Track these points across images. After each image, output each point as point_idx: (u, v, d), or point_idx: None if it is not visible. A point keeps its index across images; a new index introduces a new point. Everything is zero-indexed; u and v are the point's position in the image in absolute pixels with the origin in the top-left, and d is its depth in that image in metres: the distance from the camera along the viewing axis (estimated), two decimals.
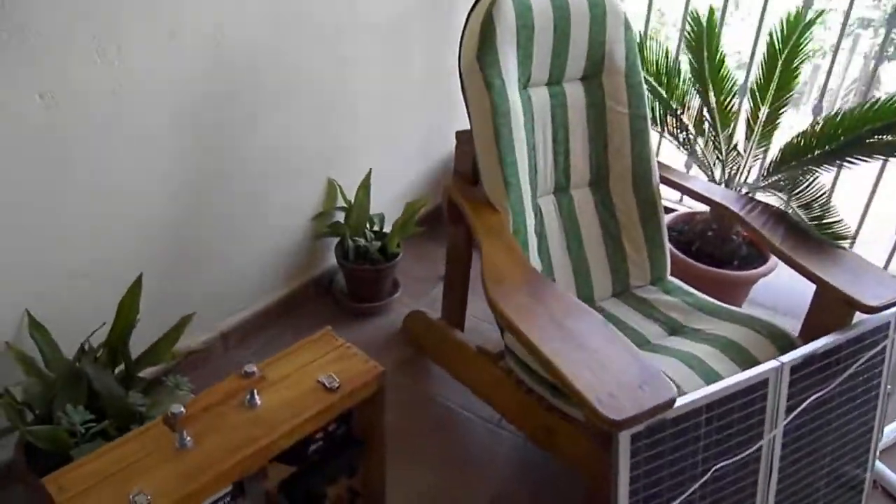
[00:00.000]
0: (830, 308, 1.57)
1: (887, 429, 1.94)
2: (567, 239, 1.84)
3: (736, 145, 2.17)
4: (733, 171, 2.18)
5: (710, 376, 1.52)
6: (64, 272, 1.65)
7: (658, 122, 2.24)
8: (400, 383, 2.06)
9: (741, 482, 1.45)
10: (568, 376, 1.21)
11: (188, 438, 1.19)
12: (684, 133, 2.21)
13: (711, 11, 2.09)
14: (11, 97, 1.43)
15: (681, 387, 1.46)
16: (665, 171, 1.95)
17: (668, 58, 2.22)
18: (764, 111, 2.10)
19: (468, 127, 1.73)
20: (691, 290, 1.90)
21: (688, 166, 2.55)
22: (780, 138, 2.13)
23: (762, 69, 2.08)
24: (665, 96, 2.20)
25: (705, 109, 2.16)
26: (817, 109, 2.29)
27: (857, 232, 2.37)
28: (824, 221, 1.74)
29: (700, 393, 1.31)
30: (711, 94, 2.12)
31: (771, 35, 2.04)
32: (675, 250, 2.17)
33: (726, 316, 1.76)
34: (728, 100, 2.13)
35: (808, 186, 1.86)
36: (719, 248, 2.23)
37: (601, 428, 1.21)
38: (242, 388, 1.24)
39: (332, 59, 2.08)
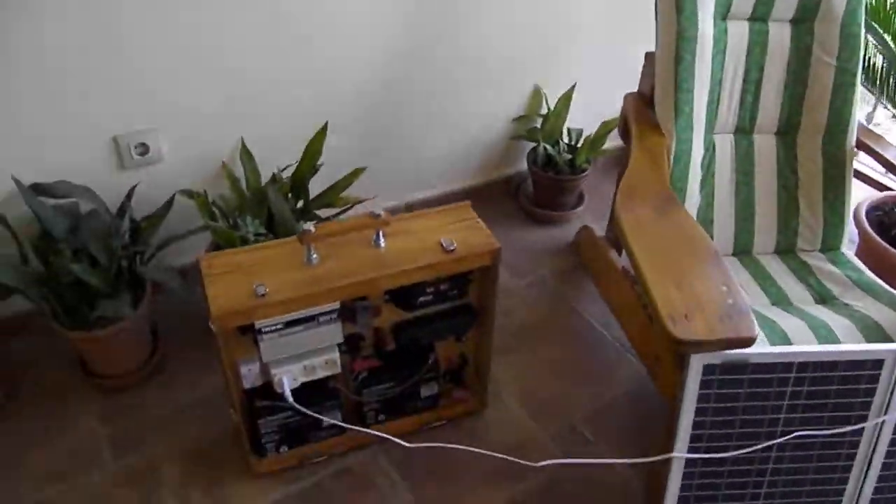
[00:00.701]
0: None
1: None
2: (737, 182, 1.79)
3: None
4: None
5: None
6: (278, 114, 1.94)
7: (877, 79, 2.02)
8: (551, 288, 2.17)
9: (829, 461, 1.39)
10: (650, 283, 1.25)
11: (315, 255, 1.41)
12: None
13: None
14: None
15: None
16: (869, 137, 1.80)
17: None
18: None
19: None
20: (863, 268, 1.77)
21: None
22: None
23: None
24: (894, 48, 1.97)
25: None
26: None
27: None
28: None
29: (791, 349, 1.28)
30: None
31: None
32: (868, 228, 2.01)
33: (886, 298, 1.63)
34: None
35: None
36: None
37: (675, 349, 1.24)
38: (369, 226, 1.42)
39: None
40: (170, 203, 1.78)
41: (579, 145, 2.39)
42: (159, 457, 1.66)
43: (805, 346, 1.30)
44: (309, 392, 1.50)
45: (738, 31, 1.70)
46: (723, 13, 1.67)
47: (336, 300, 1.40)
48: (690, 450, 1.34)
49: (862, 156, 2.56)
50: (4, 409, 1.74)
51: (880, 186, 1.84)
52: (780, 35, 1.72)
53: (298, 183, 1.82)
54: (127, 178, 1.80)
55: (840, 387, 1.32)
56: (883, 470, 1.41)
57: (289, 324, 1.38)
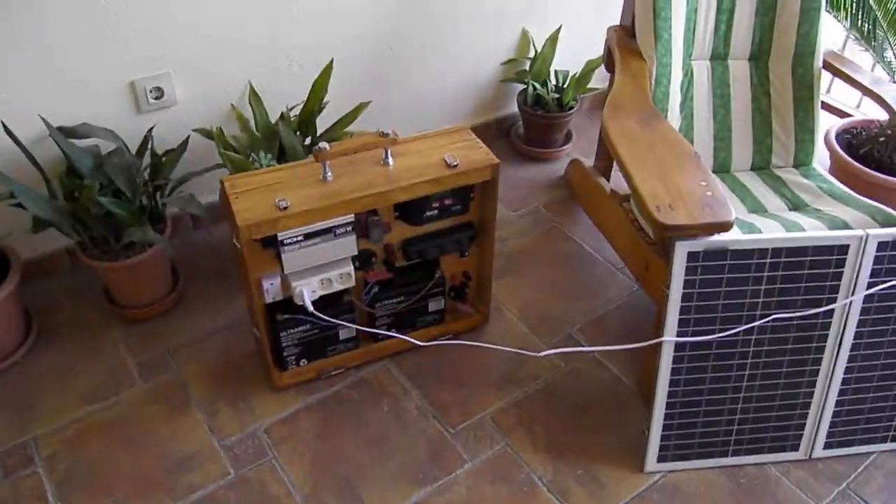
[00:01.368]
0: None
1: None
2: (714, 105, 1.93)
3: None
4: None
5: None
6: (283, 56, 2.05)
7: (841, 5, 2.16)
8: (544, 218, 2.31)
9: (805, 343, 1.54)
10: (636, 180, 1.38)
11: (329, 173, 1.53)
12: (869, 25, 2.11)
13: None
14: None
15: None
16: (836, 59, 1.94)
17: None
18: None
19: None
20: (833, 180, 1.92)
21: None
22: None
23: None
24: None
25: None
26: None
27: None
28: None
29: (765, 236, 1.41)
30: None
31: None
32: (838, 149, 2.15)
33: (854, 203, 1.78)
34: None
35: None
36: (889, 156, 2.17)
37: (660, 236, 1.37)
38: (379, 144, 1.54)
39: None
40: (186, 140, 1.89)
41: (566, 85, 2.51)
42: (186, 377, 1.79)
43: (778, 233, 1.43)
44: (325, 306, 1.63)
45: None
46: None
47: (351, 212, 1.52)
48: (679, 334, 1.48)
49: (833, 91, 2.72)
50: (38, 343, 1.86)
51: (843, 114, 1.98)
52: None
53: (306, 119, 1.94)
54: (143, 123, 1.92)
55: (811, 271, 1.46)
56: (852, 350, 1.56)
57: (308, 235, 1.51)
